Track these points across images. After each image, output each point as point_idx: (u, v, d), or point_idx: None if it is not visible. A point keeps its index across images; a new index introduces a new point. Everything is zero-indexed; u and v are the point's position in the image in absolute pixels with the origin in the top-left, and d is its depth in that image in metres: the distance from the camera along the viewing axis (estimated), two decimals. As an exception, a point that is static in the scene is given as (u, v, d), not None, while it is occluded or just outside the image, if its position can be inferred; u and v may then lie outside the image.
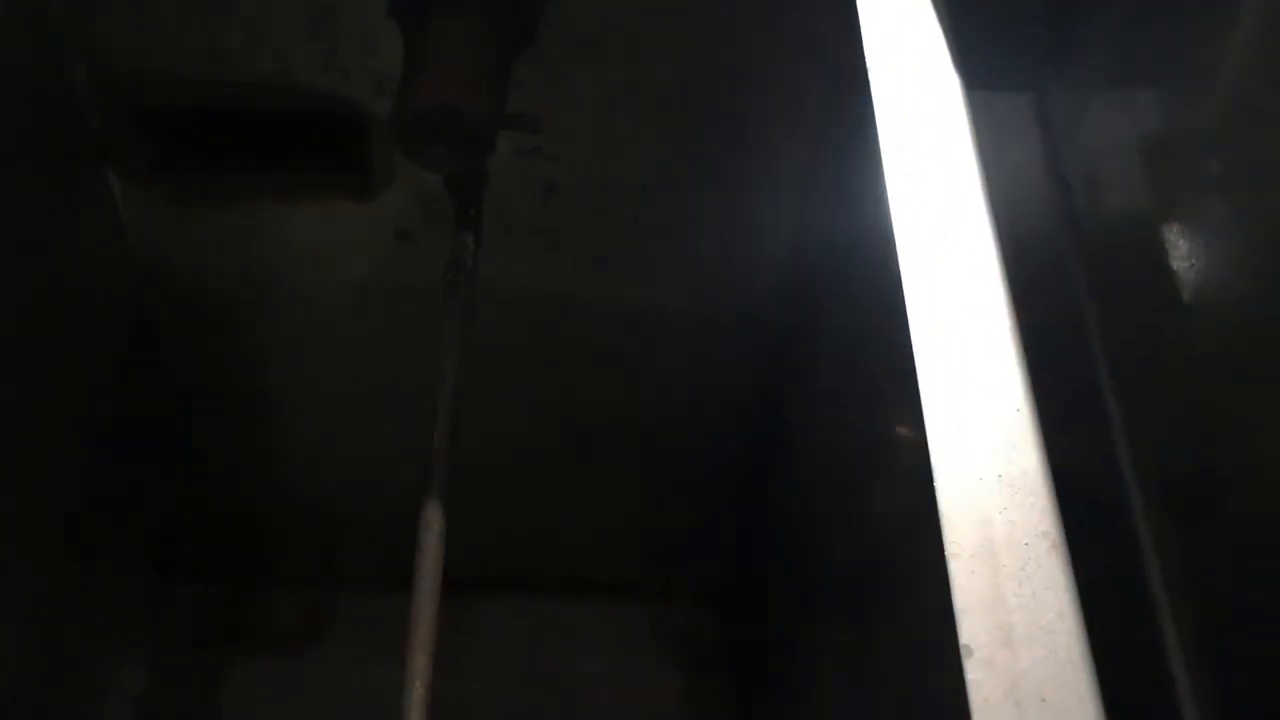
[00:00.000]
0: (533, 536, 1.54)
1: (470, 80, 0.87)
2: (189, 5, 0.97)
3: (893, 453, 0.87)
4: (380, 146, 1.07)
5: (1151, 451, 0.77)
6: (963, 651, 0.58)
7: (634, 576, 1.57)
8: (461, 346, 0.91)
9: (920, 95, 0.84)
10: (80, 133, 1.04)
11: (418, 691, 0.80)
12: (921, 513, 0.65)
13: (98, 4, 0.97)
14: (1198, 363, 0.76)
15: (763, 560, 1.44)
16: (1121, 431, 0.79)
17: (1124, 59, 0.88)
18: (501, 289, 1.17)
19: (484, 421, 1.31)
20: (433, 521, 0.85)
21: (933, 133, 0.82)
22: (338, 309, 1.21)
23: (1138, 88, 0.86)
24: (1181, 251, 0.79)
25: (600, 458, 1.44)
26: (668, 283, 1.20)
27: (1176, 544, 0.72)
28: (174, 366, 1.26)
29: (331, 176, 1.10)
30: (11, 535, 0.99)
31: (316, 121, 1.06)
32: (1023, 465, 0.65)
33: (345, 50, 0.99)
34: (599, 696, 1.49)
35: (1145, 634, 0.70)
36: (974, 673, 0.58)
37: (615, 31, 0.99)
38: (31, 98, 0.98)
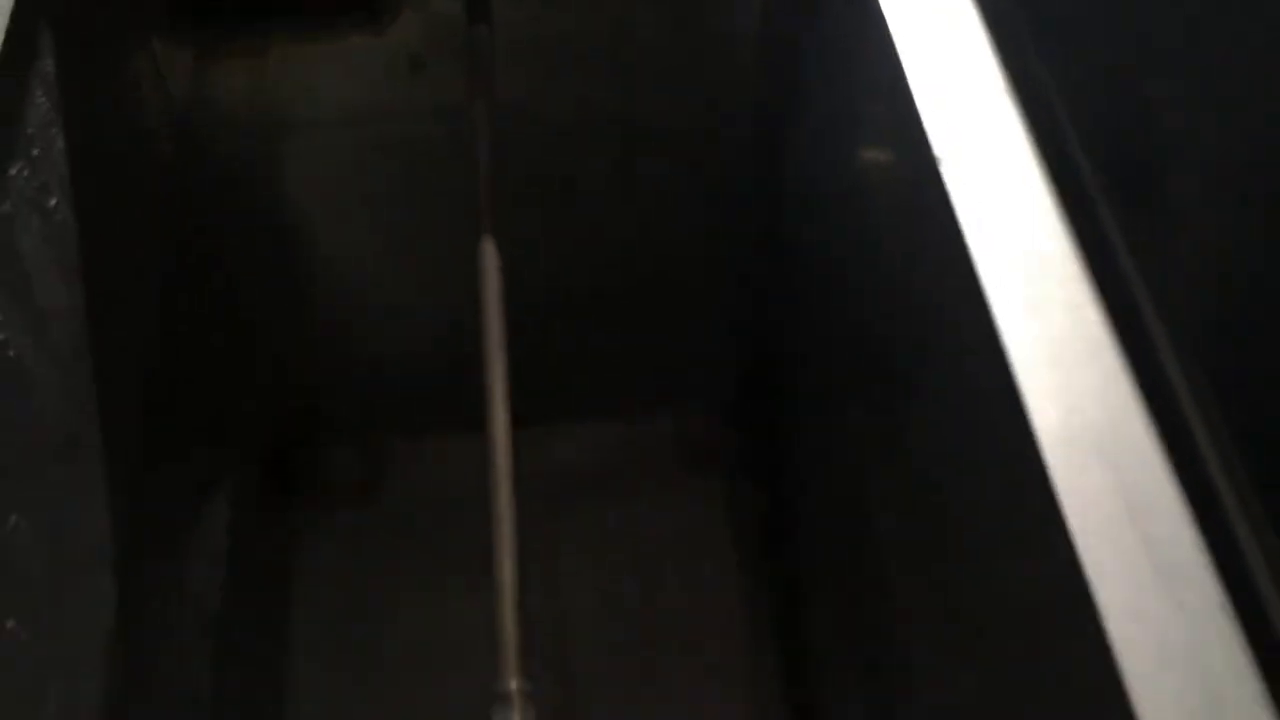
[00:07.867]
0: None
1: None
2: None
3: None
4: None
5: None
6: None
7: (658, 397, 1.65)
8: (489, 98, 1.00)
9: None
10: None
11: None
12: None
13: None
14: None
15: (778, 369, 1.51)
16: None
17: None
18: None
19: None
20: (489, 260, 0.93)
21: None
22: (360, 147, 1.29)
23: None
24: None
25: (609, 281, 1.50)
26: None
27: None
28: (214, 228, 1.33)
29: (340, 15, 1.20)
30: (105, 411, 1.03)
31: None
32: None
33: None
34: (641, 502, 1.58)
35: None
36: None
37: None
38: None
